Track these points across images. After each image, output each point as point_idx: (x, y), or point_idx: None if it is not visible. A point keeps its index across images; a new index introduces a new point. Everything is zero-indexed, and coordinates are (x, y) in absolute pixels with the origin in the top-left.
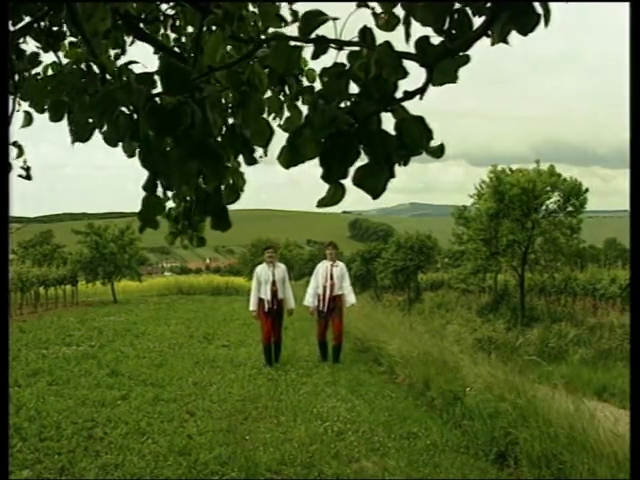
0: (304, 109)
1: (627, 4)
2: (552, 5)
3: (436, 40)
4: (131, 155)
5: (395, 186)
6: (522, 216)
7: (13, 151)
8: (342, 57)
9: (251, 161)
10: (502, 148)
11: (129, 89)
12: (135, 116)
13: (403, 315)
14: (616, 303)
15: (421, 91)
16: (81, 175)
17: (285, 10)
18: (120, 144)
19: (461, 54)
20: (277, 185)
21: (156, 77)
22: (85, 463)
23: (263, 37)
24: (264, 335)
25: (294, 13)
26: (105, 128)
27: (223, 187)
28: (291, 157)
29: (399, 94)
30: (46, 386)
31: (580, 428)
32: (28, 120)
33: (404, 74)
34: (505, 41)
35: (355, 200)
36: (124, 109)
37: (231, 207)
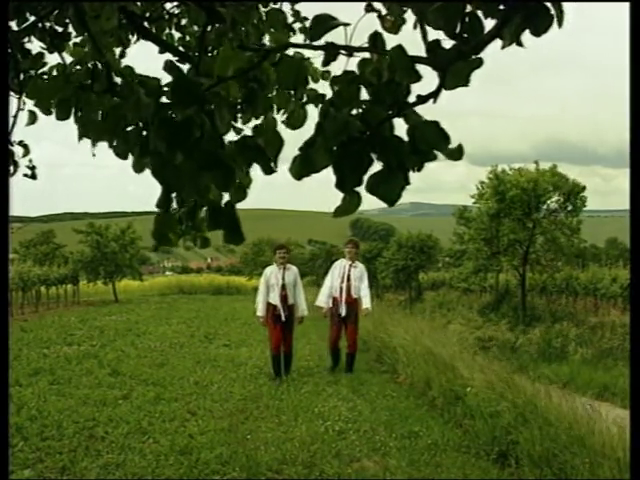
0: (309, 110)
1: (627, 4)
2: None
3: (447, 43)
4: (140, 170)
5: None
6: (523, 215)
7: (19, 150)
8: (352, 63)
9: (268, 170)
10: (503, 147)
11: (138, 104)
12: (144, 131)
13: (404, 314)
14: (617, 303)
15: (434, 95)
16: (82, 174)
17: (287, 11)
18: (130, 159)
19: (474, 57)
20: (278, 185)
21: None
22: (86, 462)
23: (271, 46)
24: (272, 344)
25: (296, 13)
26: (115, 142)
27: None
28: (303, 167)
29: (412, 98)
30: (47, 385)
31: (580, 428)
32: (32, 119)
33: (417, 78)
34: (519, 42)
35: None
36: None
37: None
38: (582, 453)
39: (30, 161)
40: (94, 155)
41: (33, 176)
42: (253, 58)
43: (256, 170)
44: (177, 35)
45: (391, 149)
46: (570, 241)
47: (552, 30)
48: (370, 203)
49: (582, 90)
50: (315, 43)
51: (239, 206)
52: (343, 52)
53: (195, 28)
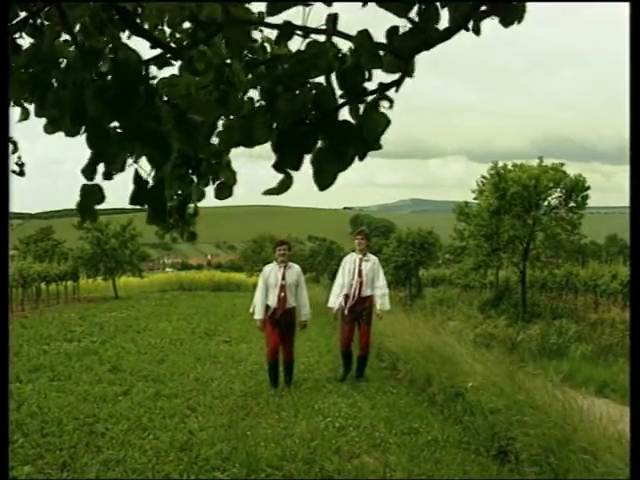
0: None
1: (627, 4)
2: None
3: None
4: (74, 134)
5: (396, 182)
6: (523, 212)
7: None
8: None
9: (194, 146)
10: (502, 144)
11: (68, 68)
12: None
13: (404, 311)
14: (617, 299)
15: (397, 83)
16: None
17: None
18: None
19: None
20: (278, 181)
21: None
22: (87, 459)
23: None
24: (269, 351)
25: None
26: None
27: (215, 184)
28: (234, 137)
29: (373, 86)
30: (47, 382)
31: (580, 424)
32: (25, 115)
33: (382, 64)
34: (476, 31)
35: (356, 196)
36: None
37: (232, 203)
38: (581, 450)
39: (19, 158)
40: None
41: (21, 173)
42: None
43: (254, 166)
44: (168, 31)
45: (339, 134)
46: (570, 238)
47: (551, 26)
48: (370, 200)
49: (582, 86)
50: (269, 22)
51: (239, 202)
52: (299, 32)
53: (186, 25)
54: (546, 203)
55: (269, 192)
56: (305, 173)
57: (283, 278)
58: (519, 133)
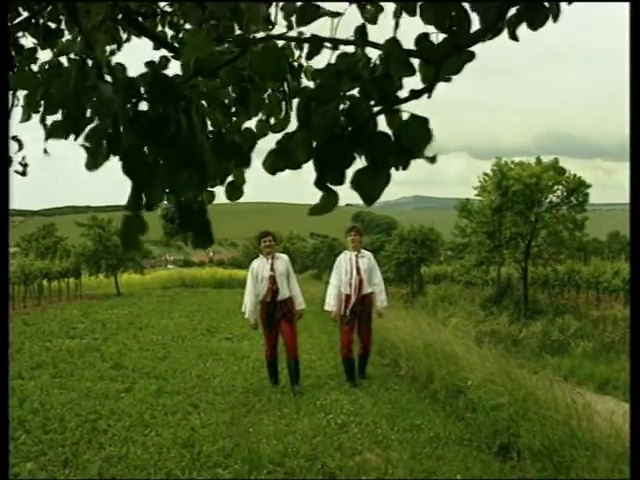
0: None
1: (627, 4)
2: None
3: (435, 37)
4: (94, 167)
5: (398, 179)
6: (525, 209)
7: (13, 145)
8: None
9: (243, 163)
10: (504, 141)
11: (100, 99)
12: (112, 127)
13: (406, 307)
14: (619, 296)
15: (428, 89)
16: (84, 168)
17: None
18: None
19: (466, 50)
20: (278, 178)
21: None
22: (89, 455)
23: (253, 37)
24: (267, 348)
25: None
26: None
27: (225, 185)
28: (280, 161)
29: (404, 93)
30: (50, 379)
31: (581, 421)
32: (27, 115)
33: (412, 72)
34: (514, 36)
35: None
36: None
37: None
38: (583, 446)
39: (23, 158)
40: (46, 152)
41: (23, 173)
42: (230, 50)
43: (254, 163)
44: (170, 33)
45: (377, 146)
46: (572, 235)
47: (551, 23)
48: None
49: (584, 83)
50: (298, 36)
51: (240, 200)
52: (327, 45)
53: (188, 26)
54: (548, 200)
55: (315, 212)
56: (306, 170)
57: (272, 269)
58: (521, 130)
